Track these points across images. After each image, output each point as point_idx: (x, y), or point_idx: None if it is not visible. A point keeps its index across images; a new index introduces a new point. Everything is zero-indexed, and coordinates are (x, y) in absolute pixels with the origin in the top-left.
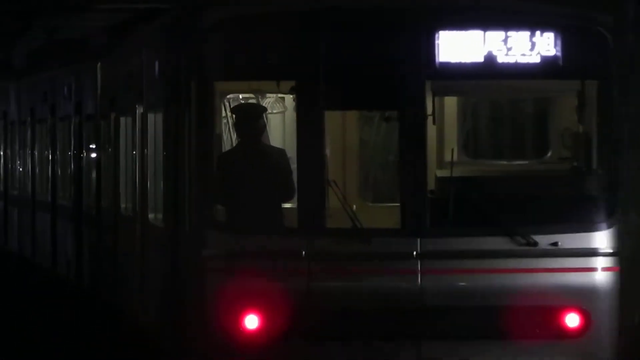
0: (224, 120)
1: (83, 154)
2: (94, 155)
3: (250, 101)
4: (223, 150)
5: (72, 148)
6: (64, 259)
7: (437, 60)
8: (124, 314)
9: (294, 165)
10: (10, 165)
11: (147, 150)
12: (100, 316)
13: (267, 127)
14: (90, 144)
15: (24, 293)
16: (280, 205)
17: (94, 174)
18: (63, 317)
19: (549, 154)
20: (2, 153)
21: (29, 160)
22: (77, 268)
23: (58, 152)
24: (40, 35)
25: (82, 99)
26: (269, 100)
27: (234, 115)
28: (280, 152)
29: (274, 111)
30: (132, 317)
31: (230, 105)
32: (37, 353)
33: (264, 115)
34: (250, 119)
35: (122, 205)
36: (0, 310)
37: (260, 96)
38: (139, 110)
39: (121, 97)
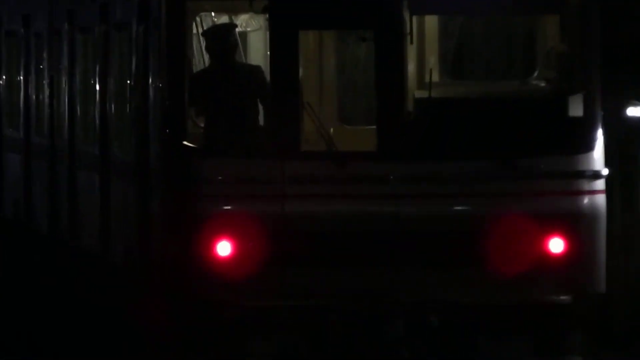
0: (195, 40)
1: (30, 75)
2: (43, 76)
3: (222, 20)
4: (194, 72)
5: (18, 68)
6: (10, 197)
7: None
8: (87, 254)
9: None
10: None
11: (109, 73)
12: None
13: (242, 45)
14: (40, 65)
15: None
16: (253, 127)
17: (43, 98)
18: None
19: (535, 74)
20: None
21: None
22: (27, 209)
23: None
24: None
25: (31, 11)
26: (244, 18)
27: (203, 38)
28: (255, 70)
29: (249, 29)
30: (96, 256)
31: (202, 24)
32: None
33: (235, 33)
34: (220, 38)
35: (80, 134)
36: None
37: (233, 15)
38: (102, 27)
39: (80, 11)
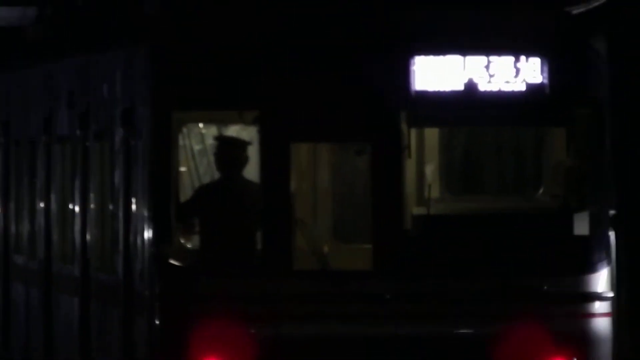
0: (184, 151)
1: (9, 189)
2: (17, 189)
3: (211, 131)
4: (179, 184)
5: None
6: None
7: (412, 88)
8: None
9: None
10: None
11: (89, 187)
12: None
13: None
14: (17, 177)
15: None
16: (247, 245)
17: (14, 213)
18: None
19: (541, 191)
20: None
21: None
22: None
23: None
24: None
25: (10, 118)
26: (234, 129)
27: (216, 145)
28: (256, 186)
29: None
30: None
31: (189, 136)
32: None
33: (247, 149)
34: (234, 150)
35: (56, 254)
36: None
37: (222, 126)
38: (80, 135)
39: (57, 119)
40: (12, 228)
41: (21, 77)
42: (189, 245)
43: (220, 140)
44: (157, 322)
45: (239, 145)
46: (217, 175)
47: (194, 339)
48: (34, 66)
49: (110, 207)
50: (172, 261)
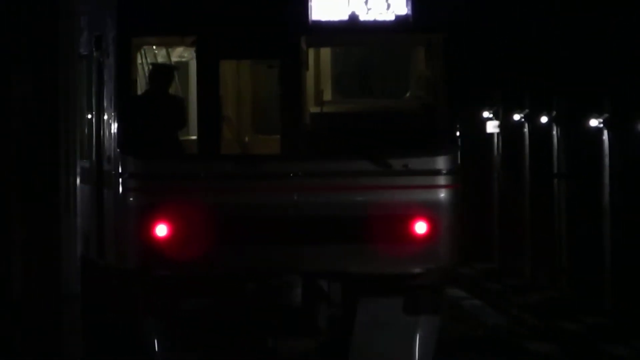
0: (140, 67)
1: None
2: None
3: (161, 51)
4: (138, 93)
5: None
6: None
7: (310, 18)
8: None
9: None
10: None
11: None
12: None
13: (182, 71)
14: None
15: None
16: (182, 137)
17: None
18: None
19: (408, 94)
20: None
21: None
22: None
23: None
24: None
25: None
26: (178, 50)
27: (151, 69)
28: (180, 99)
29: (184, 59)
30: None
31: (145, 55)
32: None
33: (174, 73)
34: (162, 74)
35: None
36: None
37: (170, 48)
38: (75, 56)
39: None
40: None
41: None
42: (142, 137)
43: (154, 66)
44: (118, 195)
45: (169, 69)
46: (154, 89)
47: (146, 208)
48: None
49: (92, 111)
50: (129, 148)
